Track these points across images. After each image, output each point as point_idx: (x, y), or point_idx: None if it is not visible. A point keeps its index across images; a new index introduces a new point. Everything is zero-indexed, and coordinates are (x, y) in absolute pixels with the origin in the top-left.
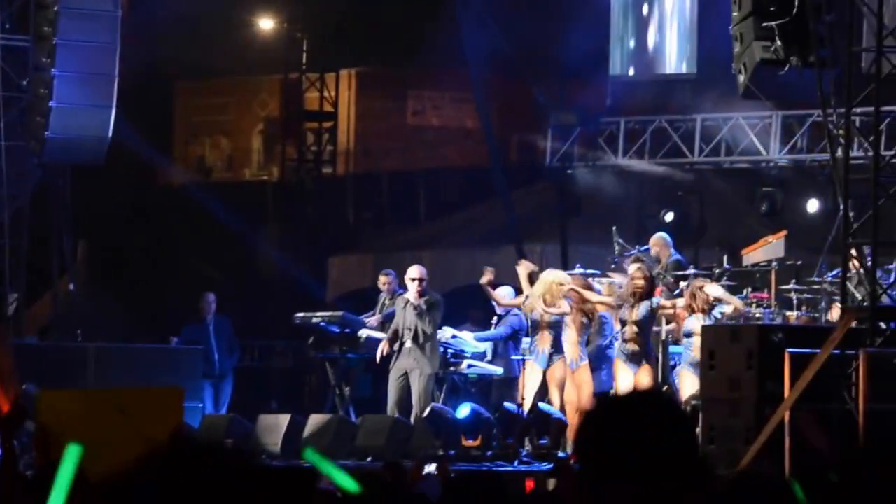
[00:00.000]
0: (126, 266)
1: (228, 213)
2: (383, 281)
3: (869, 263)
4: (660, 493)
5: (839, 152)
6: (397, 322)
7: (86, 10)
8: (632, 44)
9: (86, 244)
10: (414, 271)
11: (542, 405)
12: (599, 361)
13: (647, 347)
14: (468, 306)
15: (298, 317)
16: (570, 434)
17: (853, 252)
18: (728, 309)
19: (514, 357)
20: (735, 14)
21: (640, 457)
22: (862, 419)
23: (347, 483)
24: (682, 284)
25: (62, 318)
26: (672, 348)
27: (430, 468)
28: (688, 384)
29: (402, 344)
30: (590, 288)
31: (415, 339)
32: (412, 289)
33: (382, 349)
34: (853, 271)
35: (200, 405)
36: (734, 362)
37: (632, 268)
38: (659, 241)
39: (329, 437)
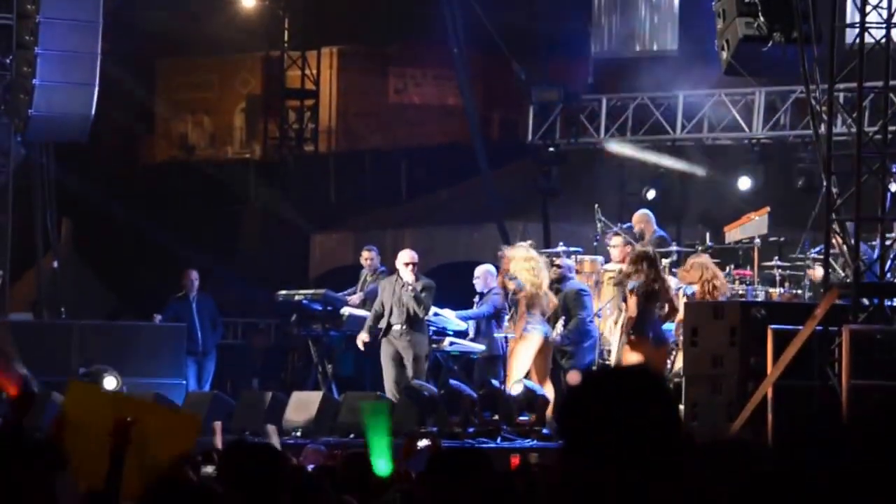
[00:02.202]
0: (109, 243)
1: (211, 191)
2: (366, 256)
3: (852, 240)
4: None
5: (822, 129)
6: (381, 303)
7: None
8: (614, 21)
9: (69, 222)
10: (406, 255)
11: (526, 382)
12: (581, 335)
13: (640, 324)
14: (449, 284)
15: (281, 294)
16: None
17: (836, 228)
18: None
19: (496, 335)
20: None
21: (623, 433)
22: (845, 395)
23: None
24: (666, 262)
25: (46, 296)
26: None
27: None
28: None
29: (389, 325)
30: None
31: (408, 321)
32: (406, 273)
33: (363, 339)
34: (836, 248)
35: (183, 382)
36: (717, 339)
37: (615, 240)
38: (643, 218)
39: (312, 414)
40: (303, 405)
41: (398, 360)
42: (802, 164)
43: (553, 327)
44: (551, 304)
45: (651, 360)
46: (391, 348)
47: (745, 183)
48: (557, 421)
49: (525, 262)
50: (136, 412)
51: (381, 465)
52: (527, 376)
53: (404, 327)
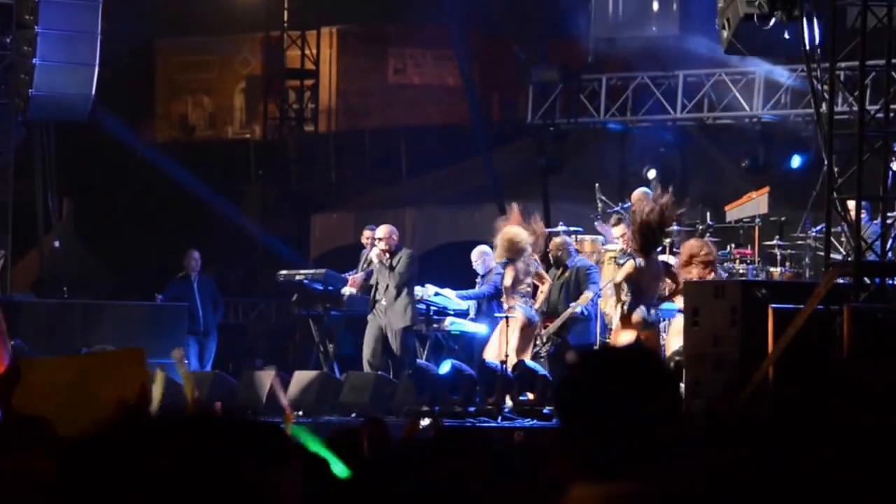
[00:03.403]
0: (111, 223)
1: (211, 171)
2: (367, 236)
3: (853, 219)
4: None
5: (823, 107)
6: (375, 277)
7: None
8: (613, 0)
9: (71, 202)
10: (378, 231)
11: (527, 361)
12: (588, 312)
13: (633, 303)
14: (449, 264)
15: (282, 274)
16: None
17: (838, 207)
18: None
19: (497, 315)
20: None
21: (623, 412)
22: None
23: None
24: (666, 241)
25: (48, 276)
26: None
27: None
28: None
29: (374, 301)
30: None
31: (385, 295)
32: (376, 247)
33: (353, 281)
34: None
35: (186, 362)
36: (718, 318)
37: (616, 230)
38: (641, 196)
39: (313, 393)
40: (304, 384)
41: (378, 336)
42: (803, 143)
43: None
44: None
45: (645, 338)
46: (374, 323)
47: (746, 162)
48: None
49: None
50: (76, 366)
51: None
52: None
53: (385, 301)
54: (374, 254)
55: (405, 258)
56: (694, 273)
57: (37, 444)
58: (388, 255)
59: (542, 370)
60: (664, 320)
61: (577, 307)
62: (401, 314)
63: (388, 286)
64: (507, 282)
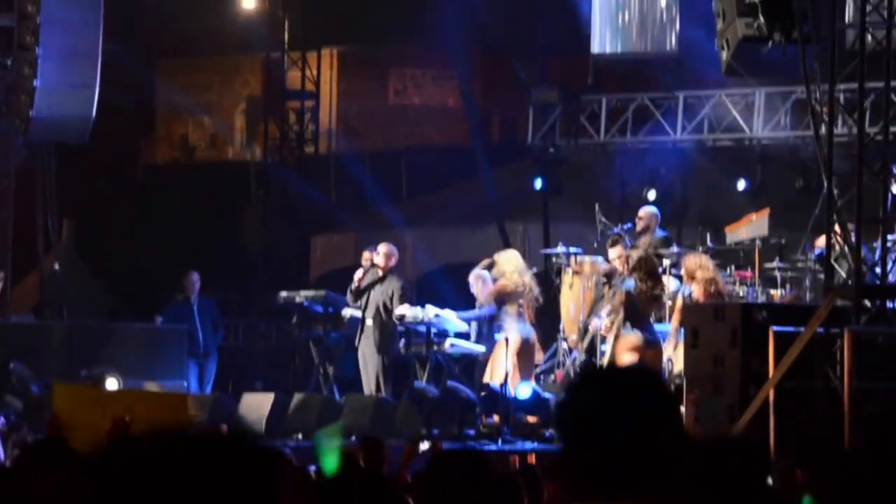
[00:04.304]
0: (111, 245)
1: (211, 192)
2: (366, 257)
3: (853, 240)
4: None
5: (823, 129)
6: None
7: None
8: (614, 21)
9: (71, 223)
10: (380, 247)
11: (533, 385)
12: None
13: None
14: (450, 285)
15: (282, 296)
16: None
17: (837, 229)
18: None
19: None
20: None
21: (625, 433)
22: (846, 397)
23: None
24: (666, 262)
25: (48, 298)
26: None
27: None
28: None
29: (363, 321)
30: None
31: (375, 316)
32: (373, 264)
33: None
34: (837, 249)
35: (185, 384)
36: (718, 340)
37: (613, 252)
38: (649, 214)
39: (313, 415)
40: (304, 407)
41: (366, 358)
42: (803, 165)
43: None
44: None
45: (645, 360)
46: (362, 347)
47: (745, 184)
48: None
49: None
50: (123, 402)
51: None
52: (506, 377)
53: (371, 322)
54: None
55: (396, 284)
56: (696, 291)
57: (58, 465)
58: (382, 273)
59: (543, 393)
60: (665, 340)
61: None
62: (388, 337)
63: (377, 307)
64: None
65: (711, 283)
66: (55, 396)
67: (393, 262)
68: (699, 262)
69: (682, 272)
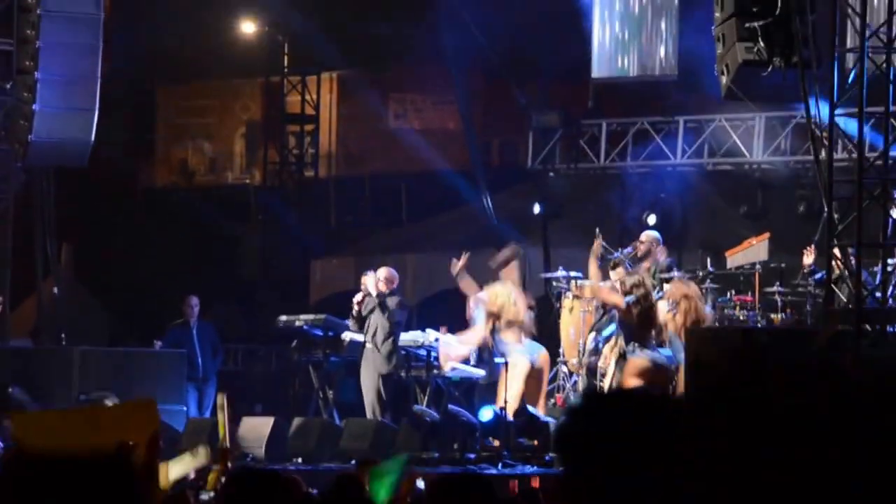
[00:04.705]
0: (110, 269)
1: (211, 216)
2: (365, 281)
3: (854, 265)
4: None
5: (823, 154)
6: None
7: (68, 13)
8: (613, 45)
9: (70, 247)
10: (380, 271)
11: (529, 407)
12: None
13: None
14: (449, 309)
15: (282, 320)
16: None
17: (837, 254)
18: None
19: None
20: (717, 15)
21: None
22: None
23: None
24: (667, 287)
25: (47, 322)
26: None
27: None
28: None
29: (364, 345)
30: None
31: (374, 338)
32: (375, 287)
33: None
34: (837, 273)
35: (184, 408)
36: (718, 365)
37: (613, 274)
38: (651, 238)
39: (313, 439)
40: (304, 431)
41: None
42: (803, 189)
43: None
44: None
45: (654, 382)
46: (364, 368)
47: (746, 208)
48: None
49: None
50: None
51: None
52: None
53: (371, 344)
54: (373, 292)
55: (395, 303)
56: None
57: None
58: (382, 297)
59: (543, 417)
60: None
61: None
62: (382, 360)
63: (376, 329)
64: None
65: (694, 310)
66: (15, 427)
67: (394, 285)
68: (684, 290)
69: (667, 297)
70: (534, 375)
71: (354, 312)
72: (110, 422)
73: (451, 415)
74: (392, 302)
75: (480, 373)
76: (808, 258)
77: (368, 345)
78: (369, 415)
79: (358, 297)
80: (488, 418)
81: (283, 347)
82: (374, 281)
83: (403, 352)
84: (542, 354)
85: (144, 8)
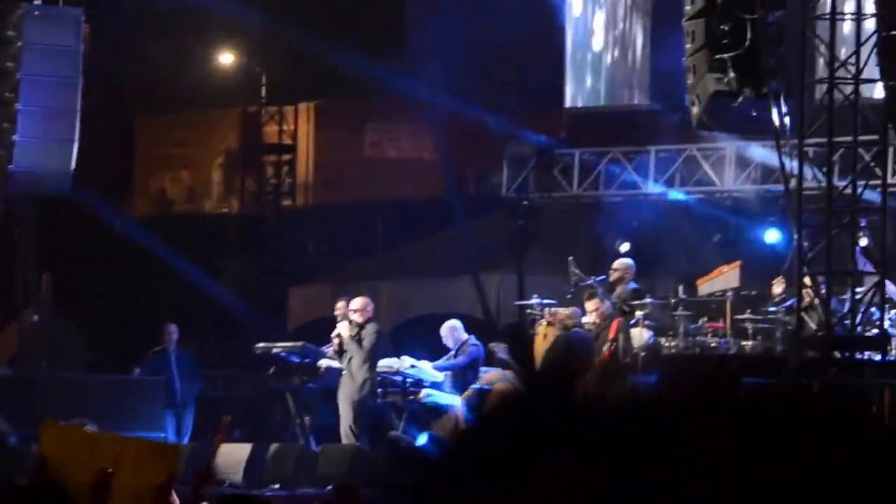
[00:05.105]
0: (89, 297)
1: (190, 245)
2: (339, 306)
3: (823, 293)
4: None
5: (793, 183)
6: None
7: (48, 45)
8: (586, 76)
9: (50, 276)
10: (354, 302)
11: None
12: None
13: None
14: (424, 336)
15: (259, 347)
16: None
17: (807, 282)
18: None
19: (473, 387)
20: (688, 46)
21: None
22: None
23: None
24: (639, 313)
25: (27, 349)
26: None
27: None
28: None
29: (342, 372)
30: None
31: (349, 365)
32: (344, 322)
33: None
34: (807, 300)
35: (163, 435)
36: (690, 392)
37: (589, 304)
38: (624, 266)
39: (290, 465)
40: (281, 457)
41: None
42: (773, 218)
43: None
44: None
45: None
46: (340, 394)
47: (717, 236)
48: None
49: None
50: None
51: None
52: None
53: (347, 370)
54: (342, 328)
55: (373, 334)
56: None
57: None
58: (358, 327)
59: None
60: None
61: None
62: (358, 387)
63: (351, 358)
64: None
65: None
66: (44, 433)
67: (368, 313)
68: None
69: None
70: None
71: (335, 347)
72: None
73: (429, 440)
74: (368, 331)
75: (455, 399)
76: (778, 288)
77: (345, 372)
78: (344, 440)
79: (336, 332)
80: (422, 443)
81: (261, 374)
82: (346, 310)
83: (379, 377)
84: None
85: (124, 40)
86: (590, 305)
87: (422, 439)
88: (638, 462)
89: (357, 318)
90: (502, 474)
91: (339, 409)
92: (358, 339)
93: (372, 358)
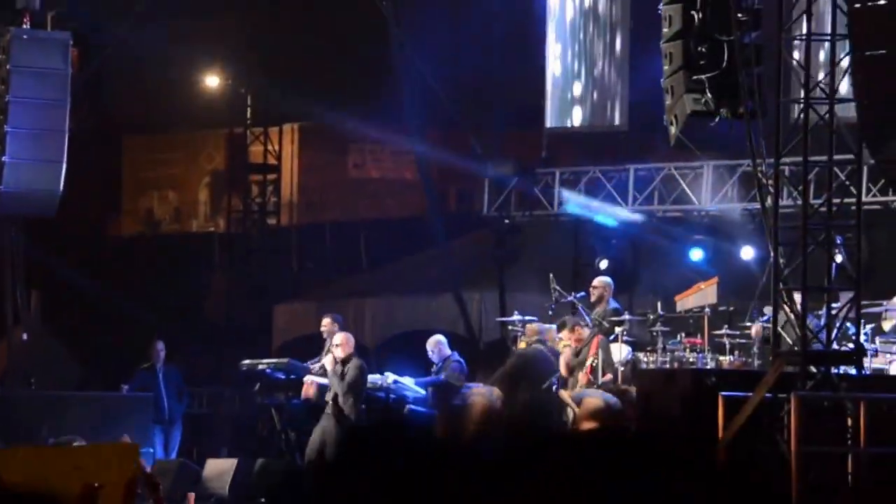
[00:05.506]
0: (78, 315)
1: (176, 263)
2: (325, 323)
3: (799, 309)
4: None
5: (769, 201)
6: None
7: (37, 68)
8: (566, 97)
9: (39, 295)
10: (336, 338)
11: None
12: None
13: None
14: (407, 352)
15: (244, 364)
16: None
17: (784, 298)
18: None
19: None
20: (666, 67)
21: None
22: (794, 461)
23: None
24: (619, 329)
25: (16, 367)
26: None
27: None
28: None
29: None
30: None
31: (334, 401)
32: (330, 354)
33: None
34: (783, 317)
35: (151, 451)
36: (669, 405)
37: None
38: (603, 284)
39: (276, 480)
40: (268, 472)
41: (320, 436)
42: (750, 235)
43: None
44: None
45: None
46: (322, 426)
47: (695, 254)
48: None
49: None
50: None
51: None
52: None
53: (332, 406)
54: (327, 361)
55: (354, 369)
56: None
57: None
58: (341, 363)
59: None
60: None
61: None
62: (335, 422)
63: (335, 393)
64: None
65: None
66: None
67: (349, 348)
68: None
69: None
70: (492, 412)
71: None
72: (88, 462)
73: None
74: (351, 366)
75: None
76: (756, 331)
77: (329, 406)
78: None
79: (320, 364)
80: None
81: (247, 390)
82: (331, 327)
83: (382, 393)
84: (497, 392)
85: (111, 62)
86: (565, 335)
87: None
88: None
89: (339, 353)
90: None
91: (321, 435)
92: (341, 374)
93: (354, 392)
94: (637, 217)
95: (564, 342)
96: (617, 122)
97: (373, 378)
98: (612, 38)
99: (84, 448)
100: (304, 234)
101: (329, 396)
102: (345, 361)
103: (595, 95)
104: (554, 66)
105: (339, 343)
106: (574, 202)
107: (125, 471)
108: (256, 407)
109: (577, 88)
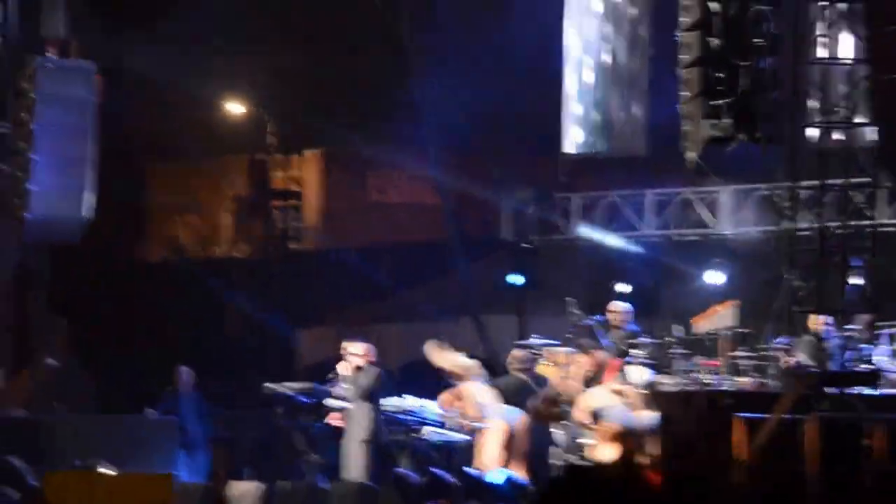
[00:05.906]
0: (102, 341)
1: (200, 288)
2: (345, 346)
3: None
4: None
5: (785, 224)
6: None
7: (62, 96)
8: (584, 122)
9: (64, 321)
10: (356, 346)
11: (509, 473)
12: None
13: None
14: (429, 376)
15: (267, 387)
16: None
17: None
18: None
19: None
20: (684, 93)
21: None
22: (811, 482)
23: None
24: (636, 352)
25: (42, 392)
26: None
27: None
28: None
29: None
30: None
31: (357, 409)
32: (345, 362)
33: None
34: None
35: (176, 474)
36: (686, 426)
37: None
38: (620, 309)
39: (300, 503)
40: (291, 495)
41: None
42: (766, 258)
43: None
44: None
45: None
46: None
47: (712, 277)
48: None
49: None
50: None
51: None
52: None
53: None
54: (341, 368)
55: (368, 374)
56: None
57: None
58: (358, 370)
59: (523, 481)
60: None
61: None
62: (363, 427)
63: (359, 400)
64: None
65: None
66: (47, 487)
67: (371, 357)
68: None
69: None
70: (513, 439)
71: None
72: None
73: (433, 477)
74: (365, 371)
75: (459, 435)
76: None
77: (351, 414)
78: (342, 475)
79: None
80: (498, 481)
81: (270, 414)
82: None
83: (383, 416)
84: (521, 418)
85: (135, 90)
86: (582, 359)
87: (497, 477)
88: None
89: (357, 361)
90: None
91: (345, 447)
92: (355, 380)
93: (368, 398)
94: (655, 240)
95: (551, 365)
96: (635, 147)
97: (393, 401)
98: (631, 64)
99: (124, 476)
100: (326, 258)
101: (352, 404)
102: (360, 368)
103: (613, 121)
104: (572, 91)
105: (359, 352)
106: (589, 235)
107: (159, 500)
108: (279, 430)
109: (596, 114)
